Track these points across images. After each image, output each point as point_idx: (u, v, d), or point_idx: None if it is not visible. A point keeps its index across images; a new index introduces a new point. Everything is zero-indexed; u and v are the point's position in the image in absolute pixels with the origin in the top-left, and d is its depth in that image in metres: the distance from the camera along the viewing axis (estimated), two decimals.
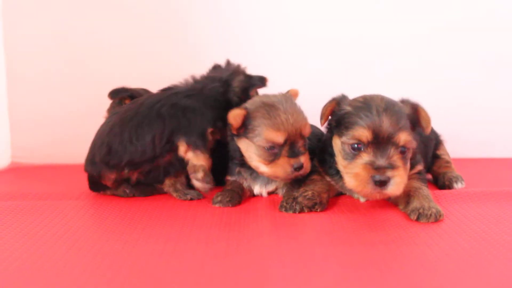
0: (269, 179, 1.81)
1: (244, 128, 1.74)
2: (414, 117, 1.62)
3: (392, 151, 1.54)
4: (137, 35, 2.60)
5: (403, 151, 1.56)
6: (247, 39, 2.62)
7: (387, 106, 1.56)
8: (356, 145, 1.58)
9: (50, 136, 2.60)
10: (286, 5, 2.63)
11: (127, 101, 2.11)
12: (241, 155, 1.80)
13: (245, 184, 1.85)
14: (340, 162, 1.65)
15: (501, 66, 2.60)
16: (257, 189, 1.85)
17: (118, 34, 2.59)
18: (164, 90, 1.93)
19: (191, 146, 1.77)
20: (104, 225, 1.56)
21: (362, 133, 1.55)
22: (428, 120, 1.62)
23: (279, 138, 1.68)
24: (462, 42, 2.59)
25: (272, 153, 1.71)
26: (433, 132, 2.08)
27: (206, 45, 2.61)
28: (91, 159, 1.83)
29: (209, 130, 1.81)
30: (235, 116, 1.73)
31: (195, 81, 1.93)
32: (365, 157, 1.55)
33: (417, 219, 1.54)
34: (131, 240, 1.41)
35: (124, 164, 1.78)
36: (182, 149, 1.78)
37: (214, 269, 1.20)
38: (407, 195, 1.64)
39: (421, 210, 1.55)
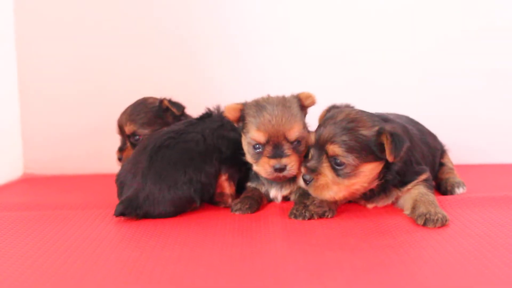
0: (283, 183, 1.85)
1: (242, 123, 1.81)
2: (376, 140, 1.62)
3: (324, 158, 1.64)
4: (150, 53, 2.63)
5: (336, 163, 1.62)
6: (254, 59, 2.67)
7: (341, 120, 1.64)
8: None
9: (62, 149, 2.61)
10: (288, 20, 2.65)
11: None
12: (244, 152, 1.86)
13: (263, 189, 1.88)
14: None
15: (502, 74, 2.62)
16: (273, 192, 1.88)
17: (132, 52, 2.62)
18: (202, 118, 1.96)
19: (229, 177, 1.87)
20: (120, 233, 1.58)
21: (312, 137, 1.70)
22: (388, 149, 1.57)
23: (260, 137, 1.73)
24: (463, 52, 2.61)
25: (257, 151, 1.76)
26: (438, 142, 2.14)
27: (215, 63, 2.65)
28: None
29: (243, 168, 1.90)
30: (230, 109, 1.81)
31: None
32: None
33: (424, 224, 1.57)
34: (148, 247, 1.43)
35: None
36: (223, 177, 1.85)
37: (231, 274, 1.24)
38: (414, 201, 1.67)
39: (427, 216, 1.57)
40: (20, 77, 2.60)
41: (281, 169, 1.72)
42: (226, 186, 1.87)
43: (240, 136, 1.87)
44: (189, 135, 1.84)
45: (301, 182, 1.68)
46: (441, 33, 2.61)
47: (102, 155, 2.50)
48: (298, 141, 1.76)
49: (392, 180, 1.70)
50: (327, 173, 1.64)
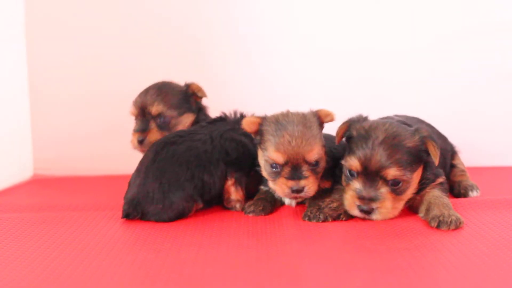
0: None
1: (260, 137, 1.76)
2: (421, 149, 1.64)
3: (380, 184, 1.60)
4: (159, 54, 2.62)
5: (396, 183, 1.61)
6: (263, 57, 2.66)
7: (385, 139, 1.60)
8: (350, 171, 1.66)
9: (72, 150, 2.60)
10: (297, 19, 2.64)
11: None
12: (259, 164, 1.82)
13: (276, 195, 1.85)
14: (343, 180, 1.73)
15: None
16: (287, 200, 1.85)
17: (141, 54, 2.61)
18: (215, 121, 1.96)
19: (237, 181, 1.84)
20: (135, 234, 1.57)
21: (354, 163, 1.62)
22: (435, 155, 1.64)
23: (279, 158, 1.68)
24: (476, 49, 2.58)
25: (275, 171, 1.72)
26: (448, 143, 2.12)
27: (225, 63, 2.64)
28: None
29: (252, 172, 1.87)
30: (248, 122, 1.77)
31: (242, 117, 1.93)
32: (356, 184, 1.63)
33: (438, 227, 1.56)
34: (164, 249, 1.42)
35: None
36: (229, 182, 1.83)
37: (248, 276, 1.23)
38: (428, 203, 1.66)
39: (441, 218, 1.57)
40: (30, 78, 2.59)
41: (299, 190, 1.69)
42: (233, 191, 1.84)
43: (251, 141, 1.86)
44: (197, 135, 1.84)
45: (355, 213, 1.63)
46: (457, 29, 2.59)
47: (112, 156, 2.50)
48: (316, 162, 1.71)
49: (428, 182, 1.71)
50: (388, 197, 1.61)
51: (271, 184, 1.76)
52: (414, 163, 1.63)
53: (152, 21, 2.61)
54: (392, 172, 1.59)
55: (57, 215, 1.77)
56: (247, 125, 1.77)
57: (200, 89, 2.04)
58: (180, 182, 1.71)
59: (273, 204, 1.82)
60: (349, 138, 1.71)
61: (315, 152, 1.69)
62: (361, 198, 1.60)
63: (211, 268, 1.28)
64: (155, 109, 1.94)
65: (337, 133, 1.75)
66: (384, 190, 1.60)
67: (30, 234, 1.57)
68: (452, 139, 2.16)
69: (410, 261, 1.30)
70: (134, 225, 1.66)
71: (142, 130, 1.94)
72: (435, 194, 1.68)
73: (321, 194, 1.79)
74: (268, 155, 1.70)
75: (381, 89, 2.61)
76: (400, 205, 1.65)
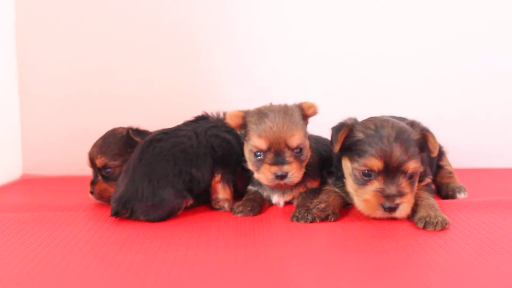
0: (285, 189, 1.83)
1: (244, 131, 1.79)
2: (422, 141, 1.67)
3: (401, 179, 1.59)
4: (151, 56, 2.62)
5: (411, 176, 1.61)
6: (255, 60, 2.67)
7: (398, 135, 1.60)
8: (367, 172, 1.62)
9: (61, 150, 2.60)
10: (289, 22, 2.65)
11: None
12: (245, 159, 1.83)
13: (265, 194, 1.87)
14: (350, 184, 1.69)
15: (503, 77, 2.63)
16: (275, 198, 1.86)
17: (133, 55, 2.61)
18: (198, 119, 1.98)
19: (223, 178, 1.84)
20: (124, 234, 1.56)
21: (374, 162, 1.59)
22: (435, 146, 1.68)
23: (262, 144, 1.70)
24: (462, 53, 2.63)
25: (259, 159, 1.73)
26: None
27: (219, 69, 2.65)
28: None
29: (239, 168, 1.88)
30: (232, 116, 1.79)
31: (224, 116, 1.94)
32: (376, 184, 1.59)
33: (424, 227, 1.57)
34: (152, 249, 1.42)
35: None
36: (216, 179, 1.84)
37: (237, 276, 1.23)
38: (415, 205, 1.66)
39: (427, 219, 1.58)
40: (20, 78, 2.59)
41: (283, 176, 1.69)
42: (220, 188, 1.85)
43: (234, 138, 1.87)
44: (182, 131, 1.86)
45: (379, 213, 1.59)
46: (441, 34, 2.62)
47: None
48: (299, 149, 1.73)
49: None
50: (409, 191, 1.60)
51: (256, 174, 1.77)
52: (419, 155, 1.64)
53: (145, 21, 2.60)
54: (412, 165, 1.59)
55: (46, 215, 1.76)
56: (231, 119, 1.78)
57: (139, 133, 2.01)
58: (169, 178, 1.71)
59: (261, 204, 1.83)
60: (352, 142, 1.67)
61: (296, 137, 1.70)
62: (386, 196, 1.57)
63: (200, 268, 1.28)
64: (99, 161, 1.96)
65: (338, 140, 1.68)
66: (405, 184, 1.59)
67: (18, 233, 1.57)
68: (440, 140, 2.17)
69: (396, 262, 1.31)
70: (123, 226, 1.65)
71: (91, 182, 1.99)
72: (422, 196, 1.69)
73: (309, 194, 1.81)
74: (252, 143, 1.72)
75: (371, 91, 2.64)
76: (413, 199, 1.63)
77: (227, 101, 2.44)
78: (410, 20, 2.63)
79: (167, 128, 1.92)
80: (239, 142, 1.86)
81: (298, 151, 1.72)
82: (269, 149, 1.70)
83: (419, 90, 2.63)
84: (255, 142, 1.71)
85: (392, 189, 1.57)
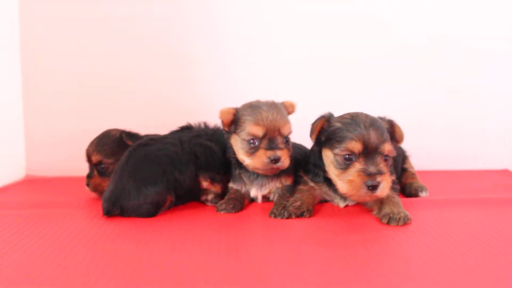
0: (263, 183, 1.94)
1: (234, 126, 1.89)
2: (390, 131, 1.79)
3: (379, 159, 1.69)
4: (150, 59, 2.65)
5: (386, 159, 1.72)
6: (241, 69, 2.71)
7: (372, 122, 1.72)
8: (348, 156, 1.71)
9: (64, 151, 2.63)
10: (272, 28, 2.71)
11: None
12: (234, 152, 1.93)
13: (244, 189, 1.97)
14: (333, 171, 1.76)
15: (461, 89, 2.74)
16: (253, 192, 1.96)
17: (134, 59, 2.64)
18: (182, 129, 2.11)
19: (212, 180, 1.99)
20: (118, 229, 1.65)
21: (355, 145, 1.68)
22: (401, 135, 1.81)
23: (259, 131, 1.82)
24: (425, 65, 2.72)
25: (253, 146, 1.84)
26: (400, 149, 2.23)
27: (207, 80, 2.69)
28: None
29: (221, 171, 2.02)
30: (224, 112, 1.89)
31: (206, 126, 2.12)
32: (358, 165, 1.68)
33: (388, 223, 1.67)
34: (143, 241, 1.51)
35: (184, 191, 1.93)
36: (205, 184, 1.98)
37: (219, 265, 1.32)
38: (380, 202, 1.76)
39: (391, 215, 1.67)
40: (24, 79, 2.60)
41: (276, 160, 1.80)
42: (211, 187, 2.00)
43: (216, 144, 2.02)
44: (168, 139, 1.98)
45: (362, 192, 1.65)
46: (405, 42, 2.70)
47: None
48: (288, 137, 1.87)
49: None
50: (386, 171, 1.69)
51: (248, 161, 1.86)
52: (390, 141, 1.75)
53: (144, 23, 2.63)
54: (387, 147, 1.70)
55: (46, 212, 1.83)
56: (223, 115, 1.89)
57: (130, 136, 2.15)
58: (152, 177, 1.81)
59: (242, 202, 1.93)
60: (331, 131, 1.77)
61: (288, 126, 1.86)
62: (369, 174, 1.65)
63: (187, 258, 1.37)
64: (95, 158, 2.11)
65: (314, 129, 1.80)
66: (382, 164, 1.69)
67: (20, 229, 1.63)
68: (404, 145, 2.24)
69: (361, 252, 1.41)
70: (116, 221, 1.74)
71: (88, 175, 2.14)
72: (387, 194, 1.76)
73: (285, 192, 1.92)
74: (248, 131, 1.83)
75: (344, 97, 2.70)
76: (390, 181, 1.71)
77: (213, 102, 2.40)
78: (373, 27, 2.70)
79: (155, 134, 2.06)
80: (221, 149, 2.01)
81: (286, 140, 1.86)
82: (264, 136, 1.82)
83: (383, 100, 2.70)
84: (251, 130, 1.82)
85: (372, 168, 1.66)
